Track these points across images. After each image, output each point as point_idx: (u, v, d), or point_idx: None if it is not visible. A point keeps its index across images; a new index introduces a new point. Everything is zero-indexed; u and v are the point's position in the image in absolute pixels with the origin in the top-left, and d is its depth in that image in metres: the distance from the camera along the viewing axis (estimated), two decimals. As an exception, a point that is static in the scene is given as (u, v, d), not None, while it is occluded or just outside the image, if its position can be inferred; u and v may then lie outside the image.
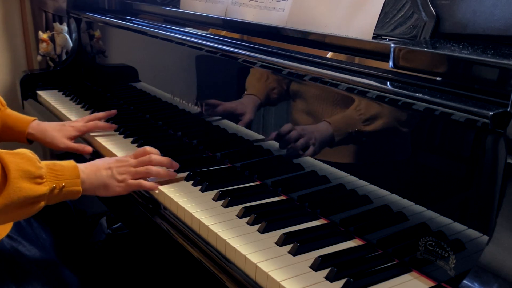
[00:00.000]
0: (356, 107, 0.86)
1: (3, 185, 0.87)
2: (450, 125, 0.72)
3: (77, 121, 1.40)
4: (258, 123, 1.08)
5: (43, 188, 0.92)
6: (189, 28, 1.38)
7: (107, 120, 1.46)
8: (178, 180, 1.09)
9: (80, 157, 1.32)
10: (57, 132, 1.33)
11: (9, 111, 1.35)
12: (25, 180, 0.89)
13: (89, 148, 1.31)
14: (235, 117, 1.13)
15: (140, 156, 1.09)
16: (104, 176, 1.04)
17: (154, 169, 1.07)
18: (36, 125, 1.34)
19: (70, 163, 1.00)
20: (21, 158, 0.91)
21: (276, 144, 1.04)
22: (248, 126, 1.10)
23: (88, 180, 1.01)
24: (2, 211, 0.88)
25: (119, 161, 1.08)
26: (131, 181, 1.05)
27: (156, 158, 1.09)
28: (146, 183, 1.06)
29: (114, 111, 1.46)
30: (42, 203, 0.93)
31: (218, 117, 1.19)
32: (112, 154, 1.26)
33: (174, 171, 1.10)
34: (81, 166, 1.02)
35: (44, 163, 0.96)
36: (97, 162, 1.07)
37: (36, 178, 0.91)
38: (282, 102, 1.02)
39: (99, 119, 1.42)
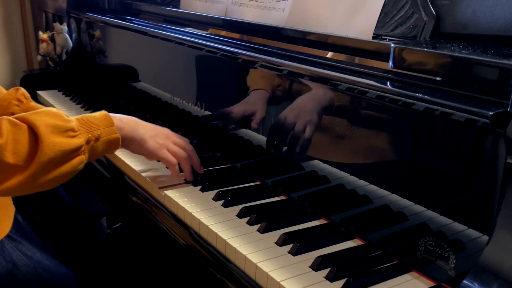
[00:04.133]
0: (356, 107, 0.86)
1: (36, 145, 0.86)
2: (450, 125, 0.72)
3: None
4: (258, 123, 1.08)
5: (77, 141, 0.90)
6: (189, 28, 1.38)
7: None
8: (178, 180, 1.09)
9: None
10: None
11: (34, 104, 1.31)
12: (57, 135, 0.87)
13: None
14: (248, 122, 1.12)
15: (183, 141, 1.09)
16: (144, 132, 1.03)
17: (186, 159, 1.06)
18: None
19: (101, 113, 0.98)
20: (47, 115, 0.89)
21: (276, 144, 1.04)
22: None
23: (125, 129, 1.00)
24: (43, 171, 0.86)
25: (161, 133, 1.07)
26: (167, 155, 1.04)
27: (194, 154, 1.08)
28: (176, 168, 1.04)
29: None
30: (83, 157, 0.92)
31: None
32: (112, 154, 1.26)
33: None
34: (118, 116, 1.00)
35: (74, 117, 0.94)
36: (138, 119, 1.06)
37: (67, 131, 0.89)
38: (282, 102, 1.02)
39: None
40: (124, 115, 1.04)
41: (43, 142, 0.85)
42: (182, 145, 1.08)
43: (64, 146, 0.88)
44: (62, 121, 0.90)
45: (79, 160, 0.91)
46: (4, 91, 1.30)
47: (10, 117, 0.88)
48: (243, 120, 1.12)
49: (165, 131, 1.09)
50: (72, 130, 0.90)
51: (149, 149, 1.03)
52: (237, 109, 1.14)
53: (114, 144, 0.97)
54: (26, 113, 0.89)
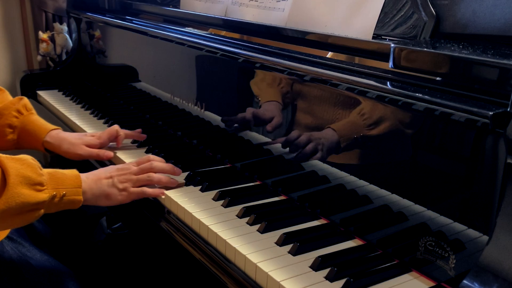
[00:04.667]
0: (356, 107, 0.86)
1: (1, 190, 0.86)
2: (450, 125, 0.72)
3: (98, 132, 1.33)
4: (258, 124, 1.08)
5: (43, 195, 0.90)
6: (189, 28, 1.38)
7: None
8: (178, 180, 1.09)
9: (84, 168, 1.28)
10: (76, 140, 1.26)
11: (35, 117, 1.30)
12: (25, 186, 0.88)
13: (109, 153, 1.24)
14: (248, 122, 1.13)
15: (142, 163, 1.08)
16: (105, 186, 1.02)
17: (155, 176, 1.05)
18: (55, 134, 1.27)
19: (73, 172, 0.99)
20: (21, 164, 0.90)
21: (276, 144, 1.04)
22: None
23: (90, 191, 1.00)
24: (0, 217, 0.86)
25: (120, 169, 1.06)
26: (133, 189, 1.03)
27: (158, 165, 1.07)
28: (149, 190, 1.04)
29: (143, 136, 1.33)
30: (42, 211, 0.92)
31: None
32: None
33: None
34: (83, 176, 1.00)
35: (46, 170, 0.94)
36: (98, 171, 1.05)
37: (36, 184, 0.90)
38: (282, 102, 1.02)
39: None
40: (92, 174, 1.03)
41: (8, 191, 0.86)
42: (143, 168, 1.06)
43: (28, 199, 0.88)
44: (34, 173, 0.90)
45: (37, 214, 0.92)
46: (10, 97, 1.30)
47: None
48: (243, 121, 1.12)
49: (121, 169, 1.06)
50: (40, 184, 0.91)
51: (118, 200, 1.03)
52: (238, 110, 1.14)
53: (75, 204, 0.97)
54: (4, 155, 0.89)
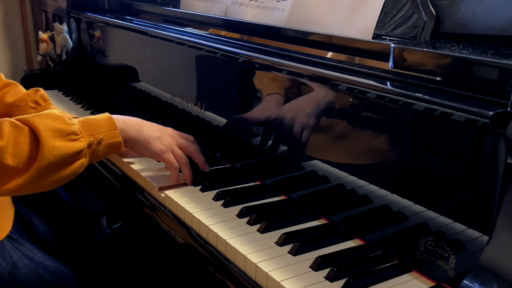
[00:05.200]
0: (356, 107, 0.86)
1: (36, 148, 0.85)
2: (450, 125, 0.72)
3: None
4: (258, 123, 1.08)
5: (79, 144, 0.89)
6: (189, 28, 1.38)
7: None
8: (178, 181, 1.09)
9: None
10: None
11: (53, 107, 1.28)
12: (58, 139, 0.87)
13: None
14: (248, 122, 1.13)
15: (188, 139, 1.09)
16: (149, 134, 1.02)
17: (198, 153, 1.07)
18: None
19: (105, 115, 0.98)
20: (49, 118, 0.89)
21: (276, 144, 1.04)
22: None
23: (128, 131, 0.99)
24: (44, 174, 0.86)
25: (166, 129, 1.07)
26: (171, 158, 1.03)
27: (198, 153, 1.08)
28: (176, 173, 1.04)
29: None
30: (84, 160, 0.91)
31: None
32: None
33: None
34: (121, 117, 1.00)
35: (77, 120, 0.93)
36: (142, 120, 1.05)
37: (69, 134, 0.89)
38: (282, 102, 1.02)
39: None
40: (128, 117, 1.04)
41: (43, 146, 0.85)
42: (187, 147, 1.08)
43: (65, 150, 0.87)
44: (64, 124, 0.89)
45: (80, 164, 0.91)
46: (24, 90, 1.28)
47: (12, 119, 0.87)
48: (244, 121, 1.12)
49: (170, 131, 1.08)
50: (74, 133, 0.90)
51: (155, 151, 1.03)
52: (238, 110, 1.14)
53: (116, 147, 0.97)
54: (29, 115, 0.89)
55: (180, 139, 1.08)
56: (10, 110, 1.22)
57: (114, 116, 0.99)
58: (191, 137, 1.12)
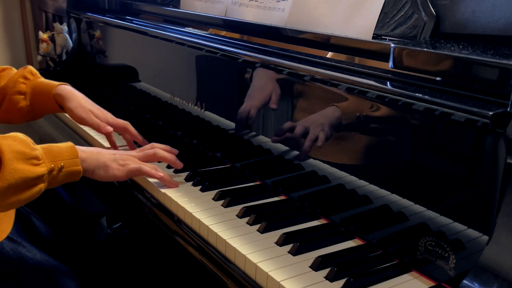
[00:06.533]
0: (356, 107, 0.86)
1: None
2: (450, 125, 0.72)
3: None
4: (258, 123, 1.08)
5: (40, 169, 0.90)
6: (189, 28, 1.38)
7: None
8: (178, 180, 1.09)
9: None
10: (86, 104, 1.25)
11: (42, 80, 1.29)
12: (21, 162, 0.87)
13: (109, 128, 1.22)
14: (248, 122, 1.13)
15: (146, 150, 1.10)
16: (106, 158, 1.03)
17: (160, 154, 1.08)
18: (66, 88, 1.26)
19: (67, 144, 0.98)
20: (13, 140, 0.89)
21: (276, 144, 1.04)
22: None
23: (88, 160, 1.00)
24: (1, 195, 0.86)
25: (123, 151, 1.08)
26: (132, 166, 1.04)
27: (161, 154, 1.09)
28: (147, 167, 1.04)
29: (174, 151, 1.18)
30: (42, 185, 0.92)
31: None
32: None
33: (176, 171, 1.10)
34: (81, 147, 1.00)
35: (40, 146, 0.94)
36: (100, 149, 1.07)
37: (31, 159, 0.89)
38: (282, 102, 1.02)
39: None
40: (87, 147, 1.04)
41: (5, 167, 0.86)
42: (148, 155, 1.09)
43: (26, 174, 0.88)
44: (28, 148, 0.90)
45: (38, 189, 0.91)
46: (15, 70, 1.32)
47: None
48: (243, 120, 1.12)
49: (125, 152, 1.09)
50: (37, 158, 0.90)
51: (115, 175, 1.04)
52: (238, 109, 1.14)
53: (75, 175, 0.97)
54: None
55: (136, 152, 1.09)
56: (4, 92, 1.27)
57: (76, 146, 1.00)
58: (148, 145, 1.13)
